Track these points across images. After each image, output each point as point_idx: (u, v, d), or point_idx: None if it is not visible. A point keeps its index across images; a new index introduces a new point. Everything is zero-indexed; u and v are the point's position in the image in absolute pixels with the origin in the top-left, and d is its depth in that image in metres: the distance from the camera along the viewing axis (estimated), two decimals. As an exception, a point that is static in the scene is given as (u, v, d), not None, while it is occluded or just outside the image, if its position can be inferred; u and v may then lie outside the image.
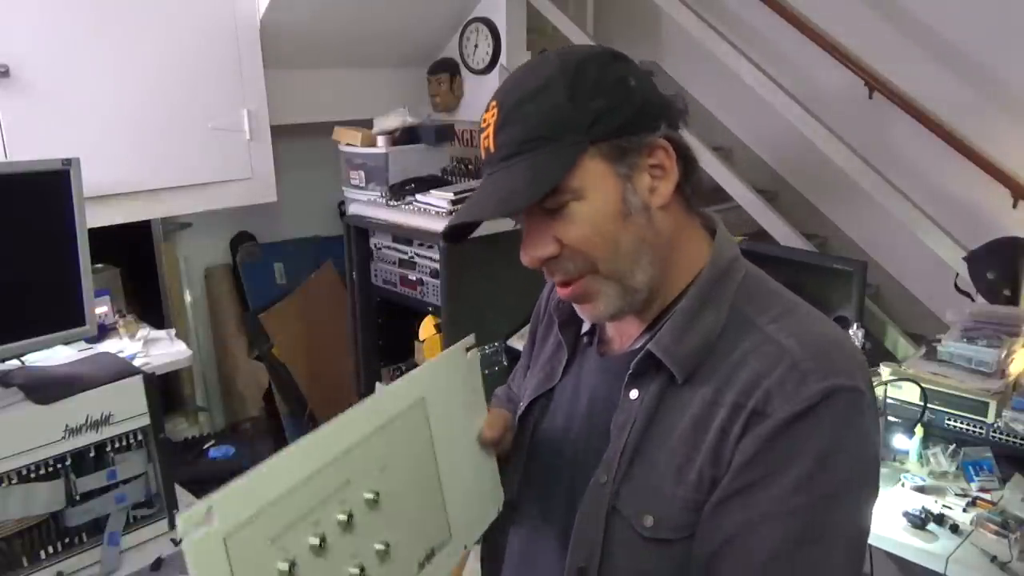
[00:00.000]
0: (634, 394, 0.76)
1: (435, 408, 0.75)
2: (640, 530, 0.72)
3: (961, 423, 1.66)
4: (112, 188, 2.26)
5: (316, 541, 0.59)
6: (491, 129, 0.74)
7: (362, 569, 0.62)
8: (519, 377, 1.06)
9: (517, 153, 0.72)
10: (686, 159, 0.76)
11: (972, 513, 1.49)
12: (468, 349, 0.82)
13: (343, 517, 0.62)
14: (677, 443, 0.72)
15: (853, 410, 0.68)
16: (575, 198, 0.72)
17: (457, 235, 0.80)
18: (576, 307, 0.81)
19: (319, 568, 0.59)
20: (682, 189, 0.76)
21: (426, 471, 0.73)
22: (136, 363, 1.88)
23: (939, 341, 1.82)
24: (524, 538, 0.87)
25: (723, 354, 0.73)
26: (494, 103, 0.75)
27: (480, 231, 0.83)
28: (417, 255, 2.50)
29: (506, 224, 0.79)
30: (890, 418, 1.70)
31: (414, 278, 2.52)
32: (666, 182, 0.74)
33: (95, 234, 1.66)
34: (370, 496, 0.65)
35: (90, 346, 1.95)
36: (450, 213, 2.36)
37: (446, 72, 3.14)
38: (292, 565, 0.57)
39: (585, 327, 0.88)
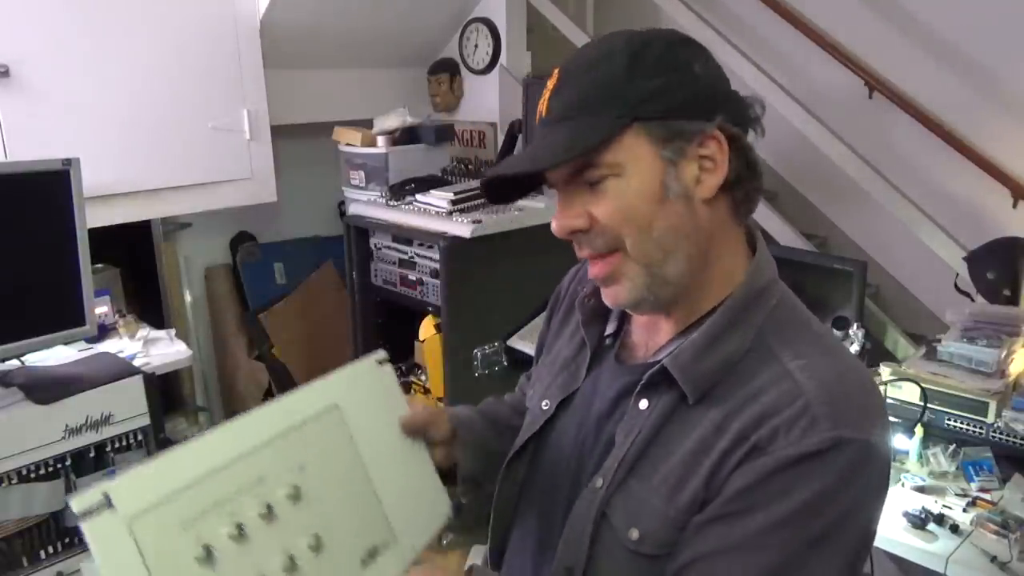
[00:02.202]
0: (643, 404, 0.75)
1: (353, 416, 0.76)
2: (625, 542, 0.72)
3: (961, 423, 1.66)
4: (112, 188, 2.26)
5: (234, 530, 0.61)
6: (547, 93, 0.74)
7: (292, 559, 0.63)
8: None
9: (564, 118, 0.71)
10: (746, 161, 0.73)
11: (972, 513, 1.49)
12: (380, 363, 0.84)
13: (263, 509, 0.63)
14: (677, 461, 0.71)
15: (858, 464, 0.66)
16: (613, 174, 0.70)
17: (500, 195, 0.81)
18: (602, 291, 0.78)
19: (240, 555, 0.61)
20: (732, 191, 0.74)
21: (354, 473, 0.74)
22: (136, 363, 1.88)
23: (939, 341, 1.82)
24: (530, 532, 0.87)
25: (740, 381, 0.71)
26: (556, 69, 0.74)
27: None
28: (417, 255, 2.49)
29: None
30: (890, 418, 1.70)
31: (414, 278, 2.52)
32: (714, 175, 0.71)
33: (95, 234, 1.66)
34: (289, 491, 0.66)
35: (90, 346, 1.95)
36: (450, 213, 2.37)
37: (446, 72, 3.14)
38: (209, 550, 0.59)
39: (609, 329, 0.86)
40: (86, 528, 0.54)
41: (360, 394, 0.79)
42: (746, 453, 0.67)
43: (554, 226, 0.75)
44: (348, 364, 0.80)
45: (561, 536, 0.77)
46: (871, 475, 0.67)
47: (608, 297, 0.77)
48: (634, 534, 0.71)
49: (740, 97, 0.74)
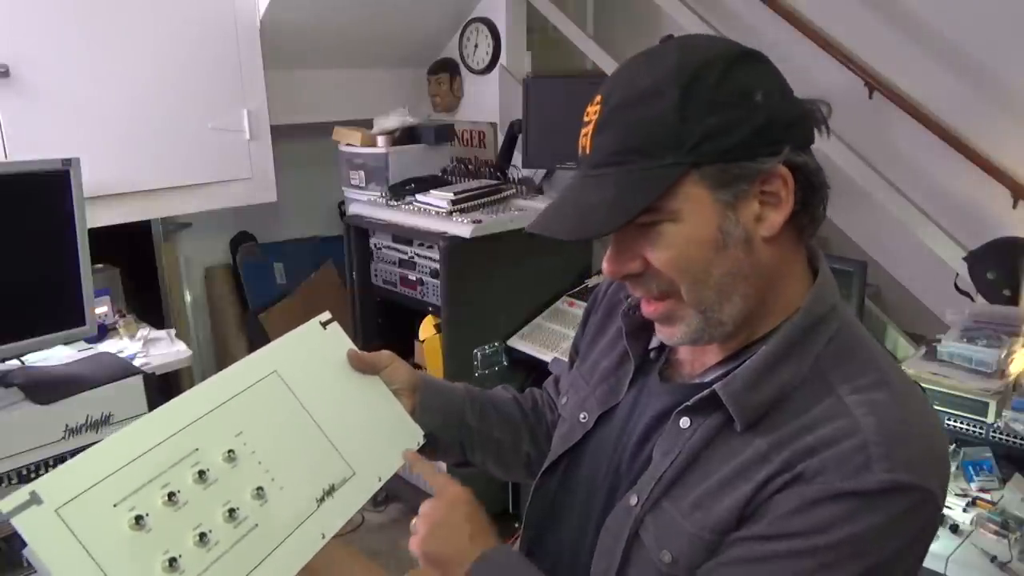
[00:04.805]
0: (685, 423, 0.72)
1: (294, 377, 0.83)
2: (658, 564, 0.70)
3: (961, 423, 1.66)
4: (112, 188, 2.26)
5: (166, 497, 0.67)
6: (591, 128, 0.67)
7: (232, 511, 0.70)
8: (564, 369, 1.02)
9: (611, 163, 0.66)
10: (811, 185, 0.68)
11: (972, 513, 1.49)
12: (324, 324, 0.91)
13: (196, 475, 0.70)
14: (715, 487, 0.68)
15: (911, 512, 0.62)
16: (670, 219, 0.66)
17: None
18: (656, 327, 0.75)
19: (174, 517, 0.67)
20: (797, 218, 0.68)
21: (298, 427, 0.81)
22: (136, 363, 1.88)
23: (939, 341, 1.82)
24: (562, 542, 0.86)
25: (793, 412, 0.67)
26: (599, 97, 0.68)
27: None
28: (417, 255, 2.49)
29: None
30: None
31: (414, 278, 2.52)
32: (778, 212, 0.67)
33: (95, 234, 1.66)
34: (224, 456, 0.73)
35: (90, 346, 1.95)
36: (450, 213, 2.37)
37: (446, 72, 3.14)
38: (139, 518, 0.64)
39: (654, 342, 0.83)
40: (16, 523, 0.59)
41: (302, 355, 0.87)
42: (789, 480, 0.64)
43: (606, 269, 0.71)
44: (289, 332, 0.88)
45: (594, 551, 0.77)
46: (923, 525, 0.64)
47: (662, 335, 0.75)
48: (666, 556, 0.69)
49: (805, 112, 0.69)
